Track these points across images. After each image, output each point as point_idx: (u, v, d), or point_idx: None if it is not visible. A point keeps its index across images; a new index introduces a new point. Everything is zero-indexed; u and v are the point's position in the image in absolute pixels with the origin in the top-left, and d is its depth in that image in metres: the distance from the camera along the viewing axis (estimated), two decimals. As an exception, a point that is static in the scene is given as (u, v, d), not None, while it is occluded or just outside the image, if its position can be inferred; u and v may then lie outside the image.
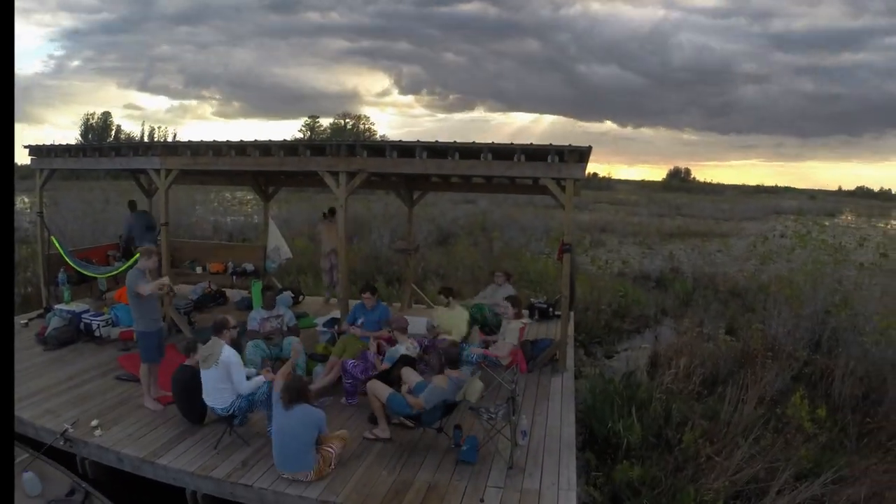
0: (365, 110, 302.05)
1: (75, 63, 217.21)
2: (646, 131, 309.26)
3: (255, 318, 10.35)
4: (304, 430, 6.98)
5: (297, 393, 7.09)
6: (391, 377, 9.40)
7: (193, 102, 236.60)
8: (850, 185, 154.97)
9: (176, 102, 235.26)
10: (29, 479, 7.13)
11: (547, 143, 9.76)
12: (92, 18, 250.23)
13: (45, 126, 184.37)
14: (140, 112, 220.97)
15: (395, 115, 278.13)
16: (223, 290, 15.93)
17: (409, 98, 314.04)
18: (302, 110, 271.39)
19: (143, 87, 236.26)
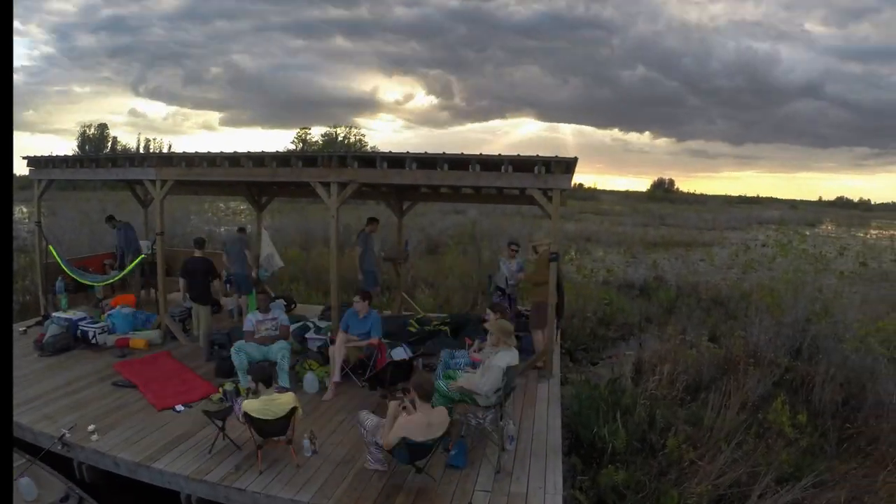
0: (382, 117, 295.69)
1: (71, 66, 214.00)
2: (659, 142, 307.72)
3: (251, 319, 10.37)
4: None
5: None
6: (383, 376, 9.46)
7: (199, 111, 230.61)
8: (831, 196, 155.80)
9: (180, 109, 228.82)
10: (25, 485, 7.15)
11: (548, 154, 9.79)
12: (87, 18, 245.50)
13: (40, 134, 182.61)
14: (142, 120, 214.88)
15: (412, 122, 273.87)
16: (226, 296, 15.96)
17: (431, 105, 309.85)
18: (315, 117, 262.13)
19: (145, 92, 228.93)
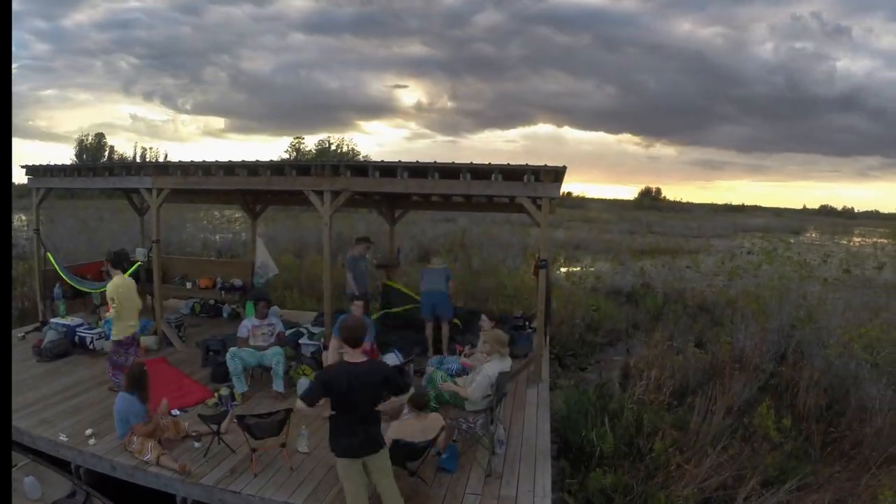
0: (399, 123, 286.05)
1: (69, 69, 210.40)
2: (679, 151, 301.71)
3: (247, 325, 10.34)
4: (118, 409, 7.96)
5: (129, 380, 8.06)
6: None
7: (203, 116, 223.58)
8: (815, 204, 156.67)
9: (183, 115, 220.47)
10: (29, 483, 7.23)
11: (534, 164, 9.81)
12: (84, 17, 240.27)
13: (40, 141, 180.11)
14: (144, 125, 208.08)
15: (433, 129, 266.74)
16: (220, 304, 15.91)
17: (452, 110, 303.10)
18: (326, 122, 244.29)
19: (145, 96, 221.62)
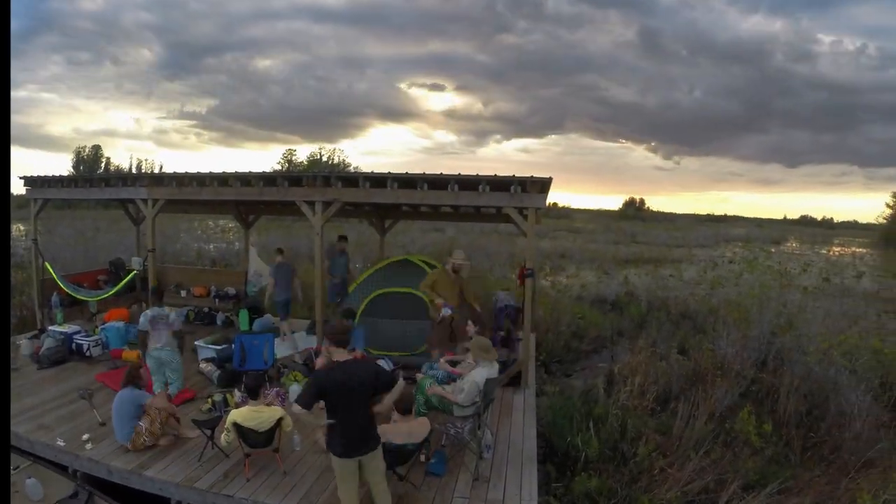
0: (422, 129, 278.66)
1: (71, 72, 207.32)
2: (689, 161, 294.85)
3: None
4: (123, 406, 7.93)
5: (128, 377, 8.13)
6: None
7: (208, 120, 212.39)
8: (795, 215, 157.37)
9: (188, 122, 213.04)
10: (31, 485, 7.28)
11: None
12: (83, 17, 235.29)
13: (41, 151, 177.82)
14: (146, 132, 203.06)
15: (458, 134, 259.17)
16: (214, 312, 15.86)
17: (479, 115, 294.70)
18: (341, 128, 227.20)
19: (148, 102, 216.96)
